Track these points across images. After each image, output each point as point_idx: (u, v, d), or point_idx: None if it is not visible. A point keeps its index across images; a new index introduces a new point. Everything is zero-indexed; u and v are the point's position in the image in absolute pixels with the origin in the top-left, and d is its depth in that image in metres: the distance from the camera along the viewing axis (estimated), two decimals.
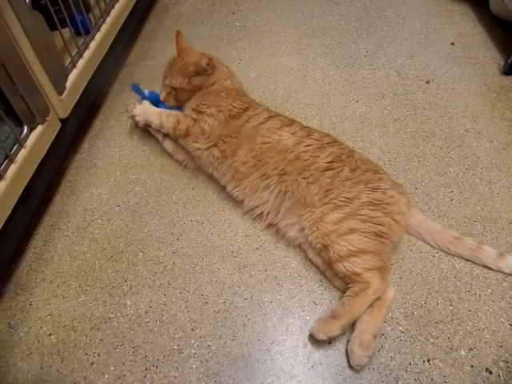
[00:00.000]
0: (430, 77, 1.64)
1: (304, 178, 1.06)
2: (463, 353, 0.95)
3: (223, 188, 1.20)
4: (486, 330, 0.99)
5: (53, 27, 1.14)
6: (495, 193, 1.26)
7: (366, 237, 0.98)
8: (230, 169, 1.14)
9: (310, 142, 1.11)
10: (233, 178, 1.15)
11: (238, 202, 1.18)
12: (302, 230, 1.04)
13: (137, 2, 1.70)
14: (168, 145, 1.32)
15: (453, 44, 1.79)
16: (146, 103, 1.30)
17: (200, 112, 1.18)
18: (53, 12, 1.14)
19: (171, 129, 1.21)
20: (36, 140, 1.06)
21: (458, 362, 0.94)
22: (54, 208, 1.22)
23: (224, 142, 1.15)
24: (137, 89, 1.36)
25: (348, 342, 0.94)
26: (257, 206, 1.13)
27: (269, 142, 1.11)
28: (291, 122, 1.18)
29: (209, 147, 1.16)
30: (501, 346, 0.96)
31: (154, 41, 1.83)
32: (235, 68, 1.67)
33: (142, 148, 1.39)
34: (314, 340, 0.95)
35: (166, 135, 1.30)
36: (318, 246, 1.00)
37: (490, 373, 0.92)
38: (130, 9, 1.63)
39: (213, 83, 1.25)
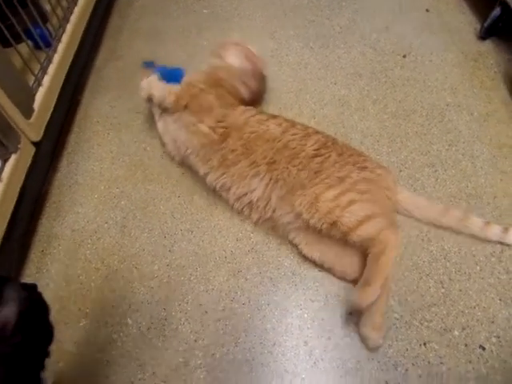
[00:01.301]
0: (406, 50, 1.61)
1: (294, 166, 1.07)
2: (457, 333, 0.99)
3: (205, 176, 1.18)
4: (477, 308, 1.02)
5: (7, 44, 1.08)
6: (478, 167, 1.27)
7: (367, 204, 1.01)
8: (218, 155, 1.14)
9: (295, 131, 1.13)
10: (220, 165, 1.14)
11: (224, 191, 1.16)
12: (299, 215, 1.04)
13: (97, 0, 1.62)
14: (160, 125, 1.30)
15: (428, 11, 1.75)
16: (154, 77, 1.27)
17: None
18: (4, 28, 1.08)
19: (173, 101, 1.19)
20: (11, 170, 1.03)
21: (452, 343, 0.98)
22: (42, 232, 1.21)
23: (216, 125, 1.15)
24: (149, 65, 1.35)
25: (359, 327, 0.97)
26: (245, 194, 1.12)
27: (256, 131, 1.13)
28: (276, 116, 1.20)
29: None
30: (492, 322, 1.00)
31: (121, 38, 1.76)
32: (207, 60, 1.63)
33: (122, 158, 1.36)
34: (355, 313, 0.99)
35: (161, 115, 1.29)
36: (324, 226, 1.00)
37: (484, 349, 0.97)
38: (91, 10, 1.55)
39: None
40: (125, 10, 1.87)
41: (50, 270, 1.14)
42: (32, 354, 0.62)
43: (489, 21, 1.55)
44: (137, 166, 1.34)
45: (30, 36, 1.22)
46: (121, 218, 1.22)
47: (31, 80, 1.17)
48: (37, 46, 1.24)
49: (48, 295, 0.68)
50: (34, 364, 0.63)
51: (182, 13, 1.84)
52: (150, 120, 1.45)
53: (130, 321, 1.04)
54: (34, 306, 0.65)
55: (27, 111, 1.11)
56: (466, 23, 1.69)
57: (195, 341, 1.00)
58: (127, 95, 1.54)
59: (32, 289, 0.68)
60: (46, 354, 0.66)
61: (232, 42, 1.41)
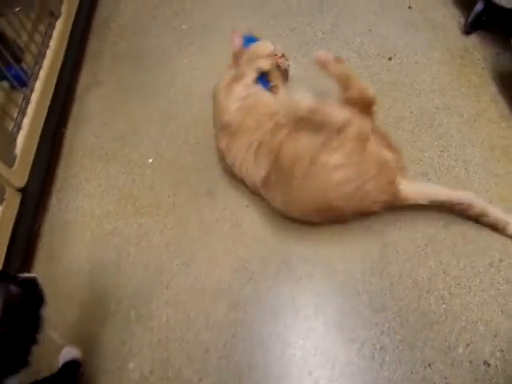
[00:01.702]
0: (391, 52, 1.58)
1: None
2: (461, 350, 0.99)
3: None
4: (479, 322, 1.01)
5: None
6: (472, 172, 1.25)
7: None
8: None
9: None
10: None
11: None
12: None
13: (73, 26, 1.58)
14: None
15: (410, 8, 1.71)
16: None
17: None
18: None
19: None
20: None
21: (456, 361, 0.97)
22: (37, 274, 1.20)
23: None
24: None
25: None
26: None
27: None
28: None
29: None
30: (495, 336, 0.99)
31: (101, 62, 1.73)
32: (192, 79, 1.60)
33: (111, 192, 1.35)
34: None
35: None
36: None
37: (488, 365, 0.96)
38: (67, 39, 1.52)
39: None
40: (103, 32, 1.84)
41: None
42: (17, 342, 0.70)
43: (472, 15, 1.52)
44: (127, 199, 1.32)
45: (4, 77, 1.19)
46: (115, 257, 1.21)
47: (10, 125, 1.15)
48: (12, 87, 1.21)
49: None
50: (19, 351, 0.70)
51: (162, 30, 1.80)
52: (137, 149, 1.43)
53: (131, 365, 1.03)
54: (28, 299, 0.73)
55: (9, 159, 1.09)
56: (450, 17, 1.65)
57: (199, 380, 1.00)
58: (112, 122, 1.52)
59: (29, 283, 0.76)
60: (34, 342, 0.72)
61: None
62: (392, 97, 1.45)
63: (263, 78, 1.27)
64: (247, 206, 1.27)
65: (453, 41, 1.57)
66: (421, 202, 1.09)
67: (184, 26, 1.79)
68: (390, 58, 1.56)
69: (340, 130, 1.04)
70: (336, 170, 1.01)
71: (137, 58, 1.71)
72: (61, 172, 1.41)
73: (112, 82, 1.65)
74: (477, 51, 1.53)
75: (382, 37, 1.63)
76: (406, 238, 1.15)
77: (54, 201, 1.35)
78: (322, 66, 1.18)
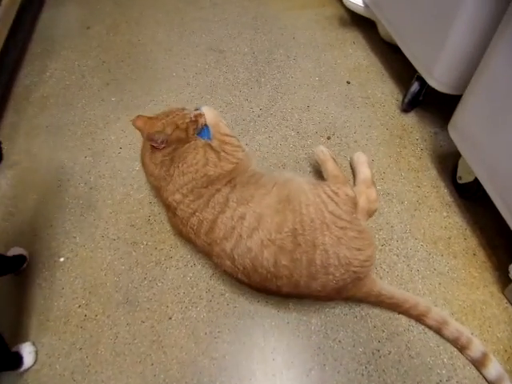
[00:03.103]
0: (330, 130, 1.52)
1: None
2: None
3: None
4: None
5: None
6: (415, 270, 1.17)
7: None
8: None
9: None
10: None
11: None
12: None
13: None
14: None
15: (348, 83, 1.68)
16: None
17: None
18: None
19: None
20: None
21: None
22: None
23: None
24: None
25: None
26: None
27: None
28: None
29: None
30: None
31: (16, 139, 1.55)
32: (115, 160, 1.46)
33: (13, 303, 1.14)
34: None
35: None
36: None
37: None
38: None
39: None
40: (21, 103, 1.68)
41: None
42: None
43: (409, 96, 1.50)
44: (31, 312, 1.12)
45: None
46: None
47: None
48: None
49: None
50: None
51: (88, 102, 1.66)
52: (48, 245, 1.25)
53: None
54: None
55: None
56: (389, 94, 1.63)
57: None
58: (21, 212, 1.33)
59: None
60: None
61: None
62: None
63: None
64: (170, 318, 1.11)
65: (391, 119, 1.54)
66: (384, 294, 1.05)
67: (113, 99, 1.67)
68: (328, 137, 1.50)
69: None
70: None
71: (57, 134, 1.55)
72: None
73: (27, 162, 1.47)
74: (415, 130, 1.50)
75: (320, 112, 1.57)
76: (348, 354, 1.02)
77: None
78: (321, 162, 1.21)
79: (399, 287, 1.14)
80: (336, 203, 1.03)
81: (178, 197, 1.06)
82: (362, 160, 1.31)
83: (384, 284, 1.08)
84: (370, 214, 1.20)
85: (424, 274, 1.16)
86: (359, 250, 0.99)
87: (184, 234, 1.08)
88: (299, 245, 0.97)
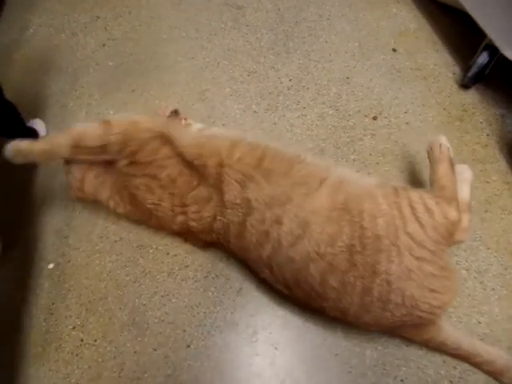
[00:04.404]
0: (375, 108, 1.25)
1: None
2: None
3: None
4: None
5: None
6: (489, 288, 0.96)
7: None
8: None
9: None
10: None
11: None
12: None
13: None
14: None
15: (394, 50, 1.40)
16: None
17: None
18: None
19: None
20: None
21: None
22: None
23: None
24: None
25: None
26: None
27: None
28: None
29: None
30: None
31: None
32: None
33: None
34: None
35: None
36: None
37: None
38: None
39: None
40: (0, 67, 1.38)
41: None
42: None
43: (475, 69, 1.22)
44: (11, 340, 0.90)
45: None
46: None
47: None
48: None
49: None
50: None
51: (80, 67, 1.37)
52: (34, 250, 1.01)
53: None
54: None
55: None
56: (443, 65, 1.35)
57: None
58: None
59: None
60: None
61: None
62: (381, 173, 1.13)
63: None
64: (188, 346, 0.88)
65: (448, 97, 1.28)
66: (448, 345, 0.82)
67: (111, 63, 1.38)
68: (374, 118, 1.24)
69: None
70: None
71: (43, 106, 1.27)
72: None
73: None
74: (478, 111, 1.24)
75: (363, 87, 1.30)
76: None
77: None
78: (433, 160, 0.91)
79: (471, 310, 0.92)
80: (422, 225, 0.76)
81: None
82: (466, 176, 0.95)
83: (451, 330, 0.84)
84: (451, 244, 0.87)
85: (501, 294, 0.94)
86: (434, 291, 0.75)
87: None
88: (355, 265, 0.76)
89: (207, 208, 0.87)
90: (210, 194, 0.86)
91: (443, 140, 0.92)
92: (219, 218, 0.86)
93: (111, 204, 0.97)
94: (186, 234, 0.97)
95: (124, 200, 0.96)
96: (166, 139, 0.89)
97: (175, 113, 1.12)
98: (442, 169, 0.87)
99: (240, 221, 0.83)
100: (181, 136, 0.90)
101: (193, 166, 0.87)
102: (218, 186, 0.85)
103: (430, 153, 0.93)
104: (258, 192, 0.82)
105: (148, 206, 0.91)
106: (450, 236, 0.79)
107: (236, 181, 0.83)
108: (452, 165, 0.89)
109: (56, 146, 0.90)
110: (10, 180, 1.12)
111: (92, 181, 0.98)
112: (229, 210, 0.84)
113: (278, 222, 0.79)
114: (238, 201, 0.83)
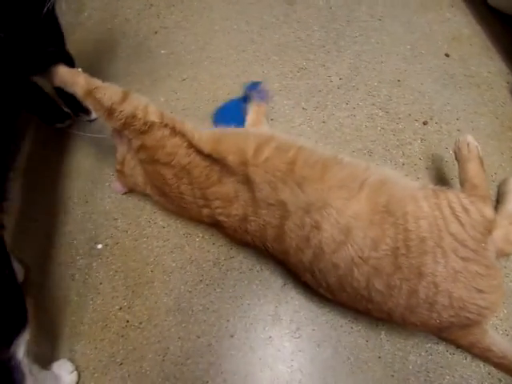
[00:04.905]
0: (426, 113, 1.24)
1: None
2: None
3: None
4: None
5: None
6: None
7: None
8: None
9: None
10: None
11: None
12: None
13: None
14: None
15: (447, 56, 1.37)
16: None
17: None
18: None
19: None
20: None
21: None
22: None
23: None
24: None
25: None
26: None
27: None
28: None
29: None
30: None
31: None
32: None
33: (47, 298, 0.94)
34: None
35: None
36: None
37: None
38: None
39: None
40: None
41: None
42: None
43: None
44: (60, 314, 0.92)
45: None
46: None
47: None
48: None
49: None
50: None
51: (133, 53, 1.39)
52: (82, 233, 1.03)
53: None
54: None
55: None
56: (497, 74, 1.32)
57: None
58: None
59: None
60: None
61: None
62: (430, 179, 1.11)
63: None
64: (232, 336, 0.89)
65: (502, 106, 1.25)
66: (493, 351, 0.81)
67: (163, 51, 1.39)
68: (425, 122, 1.22)
69: None
70: None
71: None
72: None
73: None
74: None
75: (414, 91, 1.28)
76: None
77: None
78: (462, 159, 0.91)
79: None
80: (462, 224, 0.76)
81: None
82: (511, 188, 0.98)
83: (497, 337, 0.82)
84: (499, 256, 0.87)
85: None
86: (481, 292, 0.74)
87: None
88: (400, 268, 0.75)
89: (235, 205, 0.85)
90: (236, 192, 0.84)
91: (470, 139, 0.91)
92: (252, 218, 0.84)
93: (148, 190, 0.97)
94: (220, 228, 0.94)
95: (153, 190, 0.96)
96: (176, 131, 0.88)
97: None
98: (473, 167, 0.87)
99: (278, 224, 0.81)
100: (191, 130, 0.89)
101: (212, 160, 0.85)
102: (246, 185, 0.83)
103: (457, 153, 0.93)
104: (292, 197, 0.80)
105: (172, 195, 0.90)
106: (488, 233, 0.78)
107: (265, 182, 0.81)
108: (482, 163, 0.88)
109: (76, 81, 0.90)
110: (61, 161, 1.15)
111: (130, 162, 0.98)
112: (264, 211, 0.82)
113: (318, 227, 0.78)
114: (272, 201, 0.81)
